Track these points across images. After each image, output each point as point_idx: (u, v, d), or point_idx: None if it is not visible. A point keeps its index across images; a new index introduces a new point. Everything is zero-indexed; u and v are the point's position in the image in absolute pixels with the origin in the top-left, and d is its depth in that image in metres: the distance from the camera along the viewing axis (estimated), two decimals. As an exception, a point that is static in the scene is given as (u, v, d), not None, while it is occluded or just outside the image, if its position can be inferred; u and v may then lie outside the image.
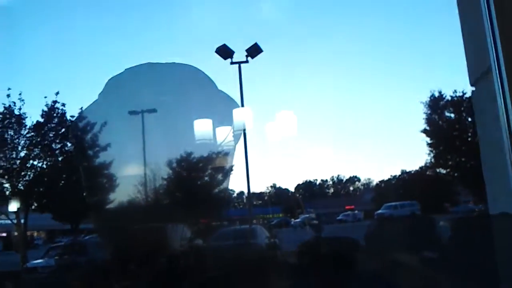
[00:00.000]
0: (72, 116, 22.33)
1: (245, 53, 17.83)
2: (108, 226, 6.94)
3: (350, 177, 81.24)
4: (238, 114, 5.51)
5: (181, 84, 5.70)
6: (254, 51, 17.78)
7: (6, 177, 21.63)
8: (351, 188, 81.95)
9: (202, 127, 5.67)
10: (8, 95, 21.49)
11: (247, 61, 17.77)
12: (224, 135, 5.63)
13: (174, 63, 5.68)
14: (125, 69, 5.57)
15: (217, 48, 17.55)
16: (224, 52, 17.47)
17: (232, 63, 17.59)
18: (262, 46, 17.95)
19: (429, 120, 32.47)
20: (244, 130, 5.46)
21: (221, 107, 5.57)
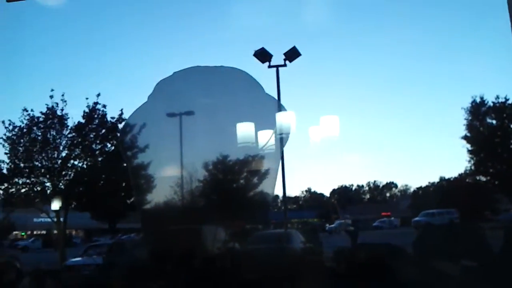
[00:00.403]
0: (112, 118, 22.75)
1: (283, 57, 17.77)
2: (148, 226, 7.04)
3: (387, 183, 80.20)
4: (282, 118, 5.50)
5: (228, 87, 5.74)
6: (292, 54, 17.71)
7: (47, 176, 22.06)
8: (388, 195, 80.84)
9: (245, 130, 5.69)
10: (51, 96, 21.98)
11: (285, 65, 17.71)
12: (266, 138, 5.63)
13: (222, 66, 5.72)
14: (174, 72, 5.64)
15: (255, 52, 17.55)
16: (262, 55, 17.46)
17: (270, 66, 17.55)
18: (300, 50, 17.87)
19: (470, 126, 31.84)
20: (288, 133, 5.45)
21: (267, 110, 5.58)
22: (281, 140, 5.53)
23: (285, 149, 5.55)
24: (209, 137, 6.09)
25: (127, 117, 22.83)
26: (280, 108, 5.56)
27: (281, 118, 5.51)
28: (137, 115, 5.91)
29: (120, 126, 22.72)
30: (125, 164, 22.95)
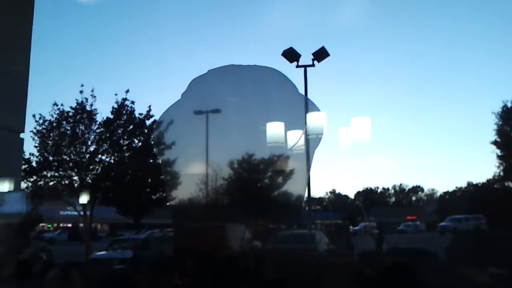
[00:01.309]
0: (140, 114, 22.97)
1: (312, 57, 17.69)
2: (178, 223, 7.10)
3: (413, 187, 79.27)
4: (314, 118, 5.47)
5: (261, 86, 5.74)
6: (320, 54, 17.63)
7: (75, 170, 22.39)
8: (414, 198, 79.89)
9: (275, 129, 5.69)
10: (81, 91, 22.31)
11: (313, 65, 17.63)
12: (296, 138, 5.61)
13: (256, 65, 5.72)
14: (208, 70, 5.66)
15: (284, 51, 17.51)
16: (291, 55, 17.41)
17: (298, 66, 17.49)
18: (329, 50, 17.77)
19: (500, 131, 31.30)
20: (321, 134, 5.42)
21: (299, 110, 5.56)
22: (312, 141, 5.50)
23: (310, 150, 5.52)
24: (237, 135, 6.11)
25: (155, 114, 23.12)
26: (313, 108, 5.53)
27: (313, 118, 5.48)
28: (170, 112, 5.94)
29: (148, 122, 22.99)
30: (151, 161, 23.34)
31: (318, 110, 5.50)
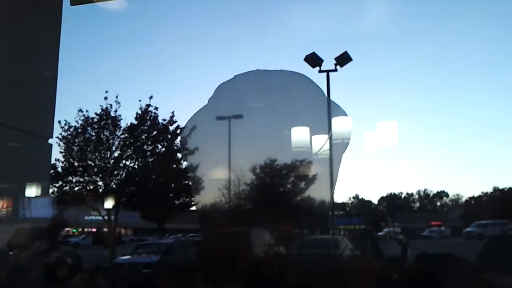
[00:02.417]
0: (164, 120, 23.17)
1: (334, 62, 17.62)
2: (205, 228, 7.12)
3: (438, 192, 78.28)
4: (340, 123, 5.44)
5: (288, 91, 5.75)
6: (343, 59, 17.54)
7: (100, 175, 22.65)
8: (438, 204, 78.93)
9: (300, 134, 5.68)
10: (106, 98, 22.61)
11: (335, 70, 17.56)
12: (321, 143, 5.60)
13: (282, 70, 5.74)
14: (235, 75, 5.69)
15: (306, 56, 17.45)
16: (313, 60, 17.33)
17: (320, 71, 17.42)
18: (352, 55, 17.68)
19: (527, 136, 30.76)
20: (348, 139, 5.39)
21: (326, 115, 5.56)
22: (338, 145, 5.47)
23: (337, 155, 5.48)
24: (262, 140, 6.12)
25: (178, 120, 23.31)
26: (340, 112, 5.50)
27: (339, 123, 5.45)
28: (197, 118, 5.98)
29: (171, 128, 23.18)
30: (174, 166, 23.52)
31: (345, 114, 5.48)
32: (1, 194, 3.20)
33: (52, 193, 21.61)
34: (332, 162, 5.59)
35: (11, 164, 3.09)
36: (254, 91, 5.88)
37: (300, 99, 5.68)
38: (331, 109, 5.56)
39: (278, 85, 5.71)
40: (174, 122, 23.16)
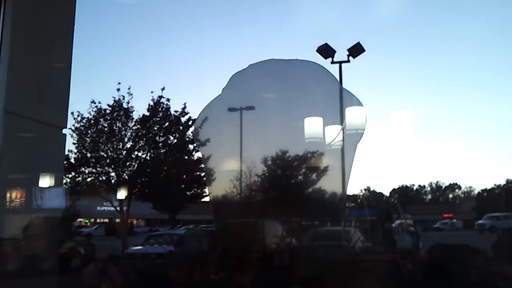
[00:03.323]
0: (175, 111, 23.23)
1: (347, 53, 17.55)
2: (218, 219, 7.15)
3: (450, 184, 77.76)
4: (354, 113, 5.42)
5: (303, 81, 5.73)
6: (356, 50, 17.47)
7: (112, 166, 22.80)
8: (450, 196, 78.41)
9: (313, 125, 5.67)
10: (118, 89, 22.70)
11: (348, 61, 17.48)
12: (334, 134, 5.58)
13: (296, 59, 5.72)
14: (249, 65, 5.68)
15: (318, 47, 17.39)
16: (325, 51, 17.27)
17: (332, 62, 17.37)
18: (364, 46, 17.60)
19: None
20: (362, 130, 5.36)
21: (342, 105, 5.53)
22: (352, 136, 5.45)
23: (351, 145, 5.45)
24: (276, 131, 6.11)
25: (190, 111, 23.39)
26: (354, 102, 5.47)
27: (354, 113, 5.43)
28: (211, 107, 5.98)
29: (183, 119, 23.25)
30: (186, 157, 23.61)
31: (360, 104, 5.45)
32: (15, 184, 3.23)
33: (65, 184, 21.76)
34: (344, 153, 5.56)
35: (26, 154, 3.12)
36: (268, 81, 5.86)
37: (314, 89, 5.66)
38: (346, 99, 5.53)
39: (292, 74, 5.69)
40: (186, 113, 23.25)
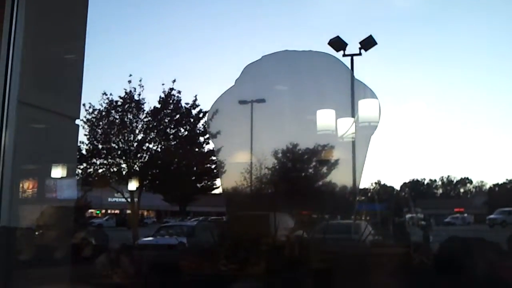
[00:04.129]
0: (186, 103, 23.28)
1: (359, 46, 17.46)
2: (231, 210, 7.18)
3: (461, 179, 77.37)
4: (368, 105, 5.38)
5: (316, 72, 5.70)
6: (367, 43, 17.37)
7: (123, 158, 22.93)
8: (462, 190, 78.05)
9: (326, 117, 5.65)
10: (129, 81, 22.78)
11: (360, 54, 17.40)
12: (347, 126, 5.55)
13: (311, 51, 5.70)
14: (263, 56, 5.66)
15: (330, 40, 17.31)
16: (337, 44, 17.19)
17: (344, 55, 17.29)
18: (376, 39, 17.50)
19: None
20: (374, 122, 5.33)
21: (355, 97, 5.50)
22: (365, 128, 5.42)
23: (364, 138, 5.41)
24: (286, 124, 6.10)
25: (202, 103, 23.43)
26: (368, 94, 5.44)
27: (367, 105, 5.39)
28: (224, 99, 5.98)
29: (194, 112, 23.29)
30: (197, 149, 23.68)
31: (375, 96, 5.41)
32: (29, 174, 3.25)
33: (77, 175, 21.90)
34: (357, 146, 5.54)
35: (40, 144, 3.15)
36: (281, 72, 5.84)
37: (328, 80, 5.63)
38: (359, 91, 5.50)
39: (306, 65, 5.67)
40: (197, 106, 23.29)
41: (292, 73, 5.81)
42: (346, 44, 17.30)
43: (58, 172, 3.48)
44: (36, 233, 3.91)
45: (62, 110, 3.22)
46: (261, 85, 6.08)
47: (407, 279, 4.24)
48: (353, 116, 5.55)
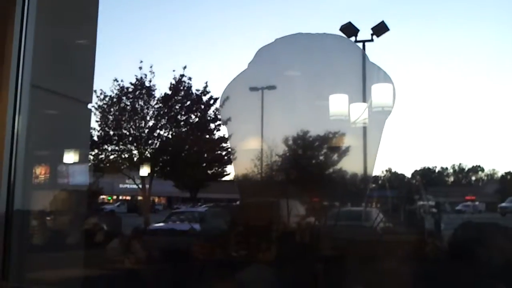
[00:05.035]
0: (197, 90, 23.27)
1: (371, 32, 17.29)
2: (243, 197, 7.19)
3: (473, 166, 76.91)
4: (381, 90, 5.31)
5: (330, 55, 5.65)
6: (380, 29, 17.18)
7: (135, 144, 23.02)
8: (473, 178, 77.63)
9: (338, 102, 5.60)
10: (140, 68, 22.78)
11: (372, 40, 17.24)
12: (360, 111, 5.50)
13: (325, 33, 5.64)
14: (276, 39, 5.62)
15: (341, 26, 17.16)
16: (349, 30, 17.03)
17: (356, 41, 17.14)
18: (389, 25, 17.31)
19: None
20: (388, 107, 5.27)
21: (369, 81, 5.44)
22: (379, 114, 5.37)
23: (374, 124, 5.36)
24: (297, 110, 6.07)
25: (212, 89, 23.42)
26: (382, 78, 5.38)
27: (381, 90, 5.33)
28: (237, 82, 5.95)
29: (205, 98, 23.28)
30: (207, 136, 23.70)
31: (390, 80, 5.35)
32: (42, 158, 3.26)
33: (89, 160, 21.98)
34: (368, 131, 5.49)
35: (52, 128, 3.15)
36: (294, 54, 5.79)
37: (341, 63, 5.58)
38: (373, 75, 5.44)
39: (320, 48, 5.61)
40: (208, 92, 23.27)
41: (305, 55, 5.76)
42: (358, 30, 17.14)
43: (70, 157, 3.49)
44: (49, 218, 3.93)
45: (74, 94, 3.22)
46: (273, 69, 6.03)
47: (420, 265, 4.23)
48: (365, 100, 5.49)
